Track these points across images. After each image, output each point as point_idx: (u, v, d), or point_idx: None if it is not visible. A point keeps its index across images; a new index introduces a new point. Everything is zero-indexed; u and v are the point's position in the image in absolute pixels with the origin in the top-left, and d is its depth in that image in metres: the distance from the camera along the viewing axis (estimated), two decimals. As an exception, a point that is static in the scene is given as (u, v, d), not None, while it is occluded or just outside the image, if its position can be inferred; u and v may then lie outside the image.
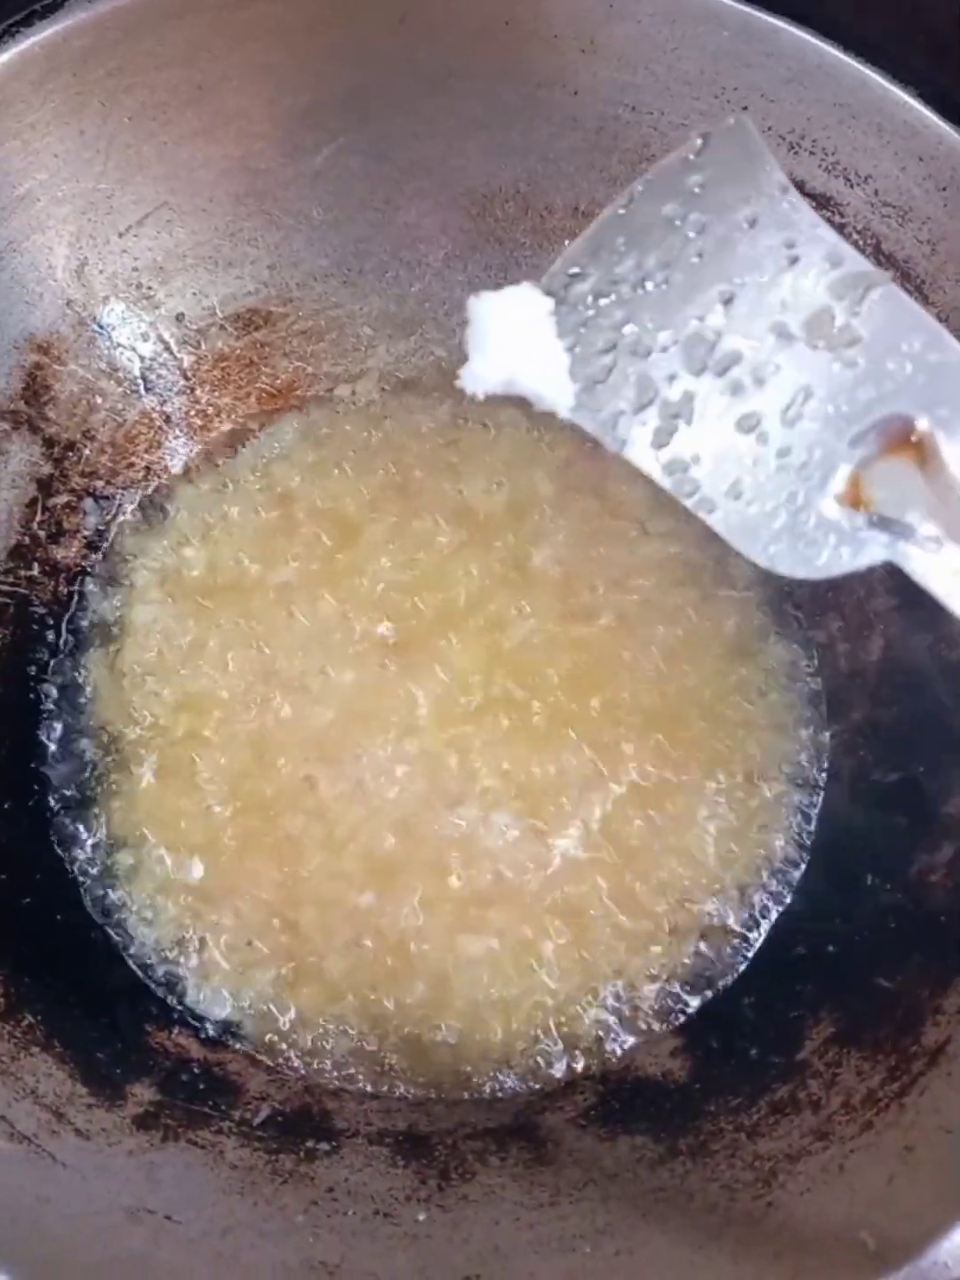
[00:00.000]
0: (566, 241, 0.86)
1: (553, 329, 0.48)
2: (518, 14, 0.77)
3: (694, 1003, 0.73)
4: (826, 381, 0.45)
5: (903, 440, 0.44)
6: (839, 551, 0.45)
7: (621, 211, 0.49)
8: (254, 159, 0.82)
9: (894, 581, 0.78)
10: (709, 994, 0.73)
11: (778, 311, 0.47)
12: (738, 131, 0.52)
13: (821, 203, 0.77)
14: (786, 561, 0.46)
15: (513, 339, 0.48)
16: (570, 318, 0.49)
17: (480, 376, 0.49)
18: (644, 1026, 0.73)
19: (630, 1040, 0.72)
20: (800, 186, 0.77)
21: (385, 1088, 0.70)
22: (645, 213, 0.49)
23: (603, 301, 0.49)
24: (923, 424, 0.44)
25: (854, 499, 0.45)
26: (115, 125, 0.76)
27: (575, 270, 0.49)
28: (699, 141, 0.49)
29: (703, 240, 0.49)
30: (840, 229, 0.77)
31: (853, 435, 0.45)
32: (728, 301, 0.48)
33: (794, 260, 0.48)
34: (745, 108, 0.77)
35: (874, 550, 0.44)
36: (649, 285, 0.48)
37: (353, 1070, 0.71)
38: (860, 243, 0.77)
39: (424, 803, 0.75)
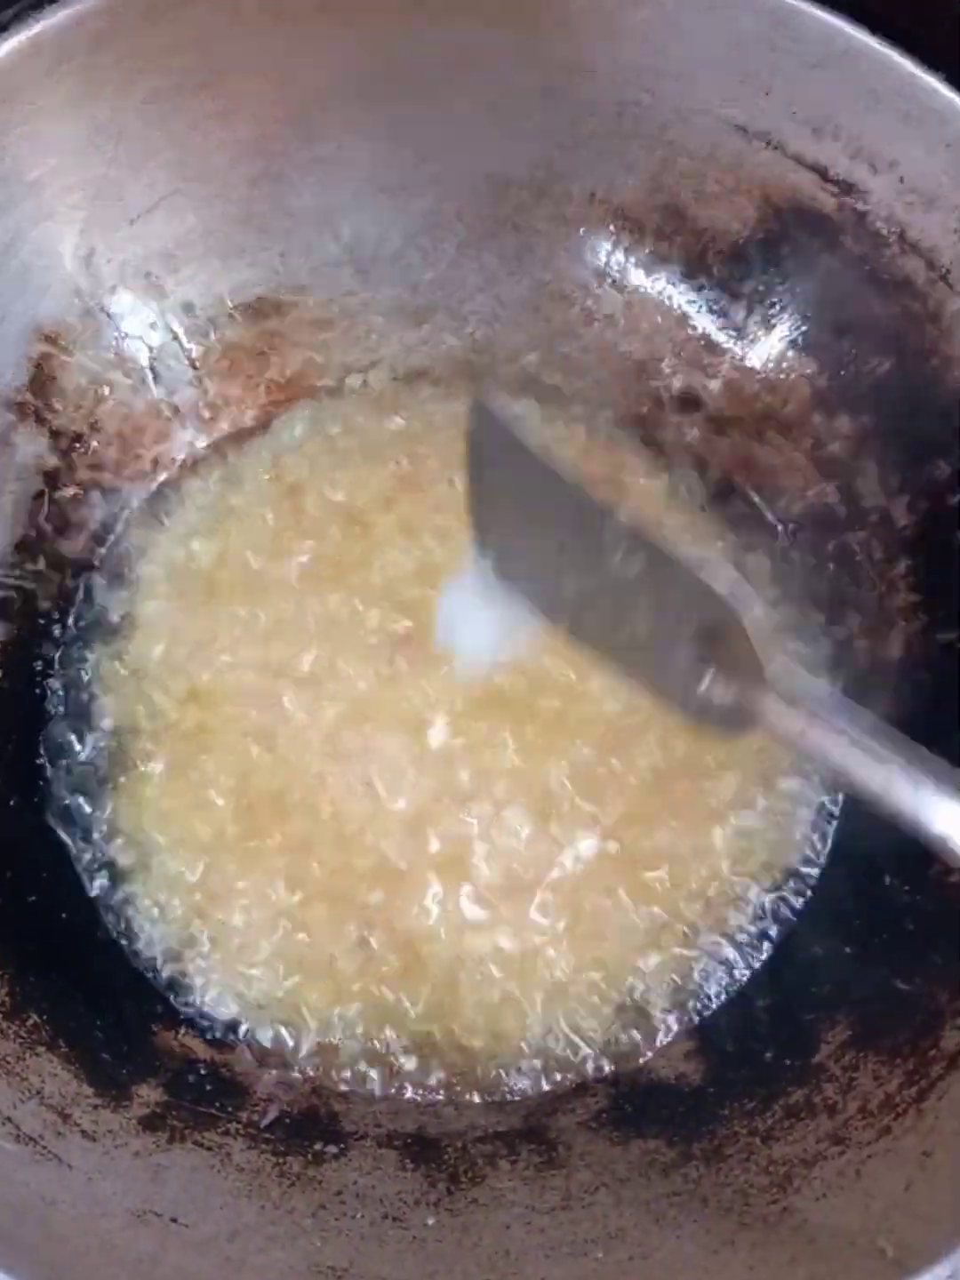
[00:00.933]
0: (583, 230, 0.85)
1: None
2: (535, -2, 0.76)
3: (708, 1004, 0.72)
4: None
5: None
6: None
7: None
8: (266, 145, 0.81)
9: (915, 578, 0.77)
10: (723, 995, 0.72)
11: None
12: None
13: (845, 189, 0.76)
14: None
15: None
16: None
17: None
18: (657, 1027, 0.72)
19: (643, 1041, 0.71)
20: (823, 173, 0.76)
21: (394, 1090, 0.70)
22: None
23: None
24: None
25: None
26: (126, 111, 0.75)
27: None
28: None
29: None
30: (863, 217, 0.76)
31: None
32: None
33: None
34: (768, 92, 0.76)
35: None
36: None
37: (361, 1071, 0.70)
38: (884, 230, 0.76)
39: (435, 800, 0.74)
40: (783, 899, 0.75)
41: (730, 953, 0.73)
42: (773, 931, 0.74)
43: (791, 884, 0.75)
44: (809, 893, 0.75)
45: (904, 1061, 0.63)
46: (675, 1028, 0.72)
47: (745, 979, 0.73)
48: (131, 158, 0.77)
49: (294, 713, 0.76)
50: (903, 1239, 0.54)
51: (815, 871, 0.75)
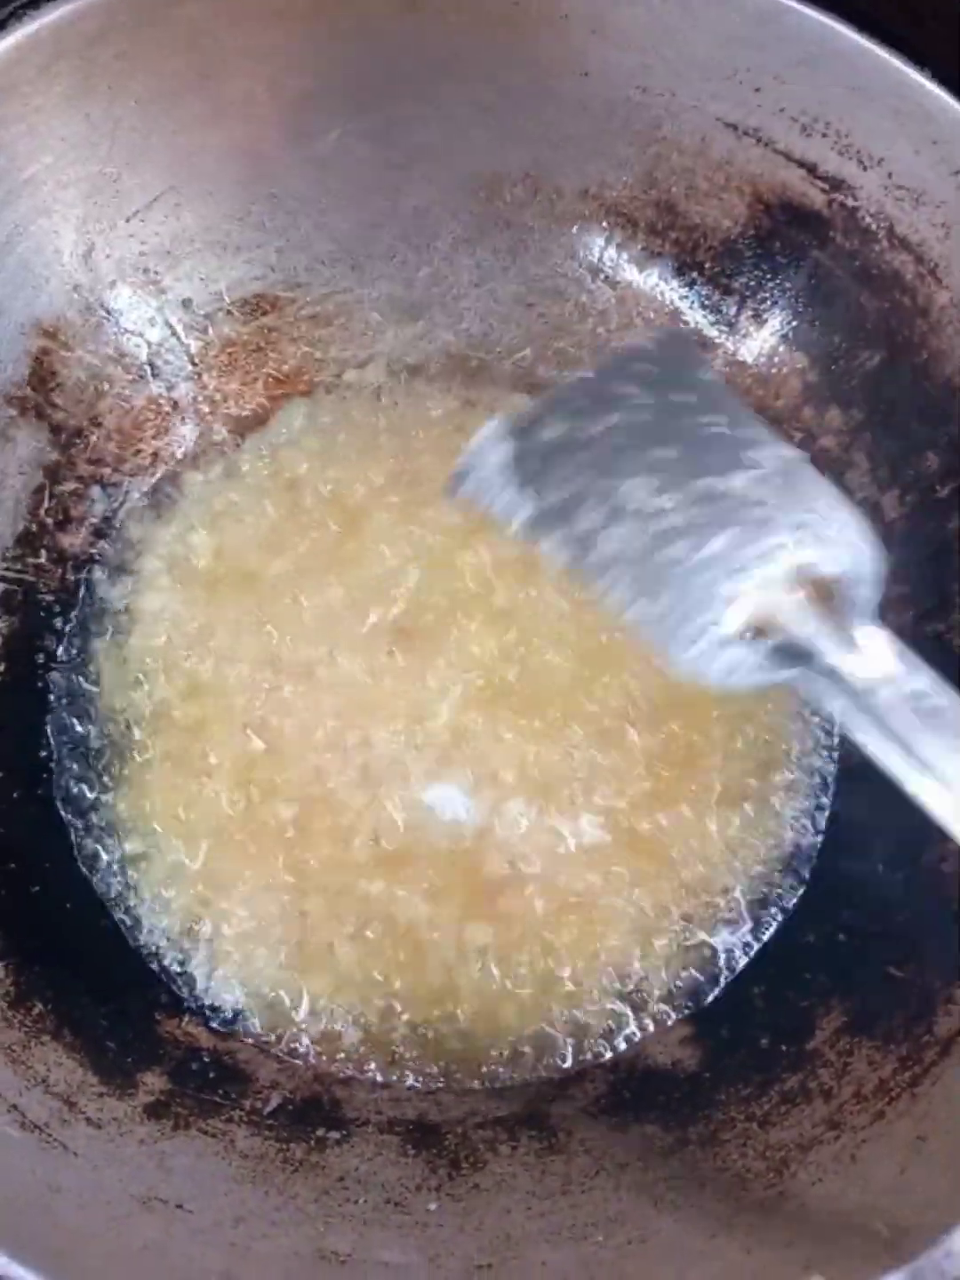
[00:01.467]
0: (576, 226, 0.86)
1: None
2: (527, -4, 0.76)
3: (705, 991, 0.73)
4: (736, 526, 0.49)
5: (806, 584, 0.48)
6: (741, 668, 0.49)
7: (585, 377, 0.58)
8: (260, 143, 0.81)
9: (900, 573, 0.78)
10: (720, 982, 0.73)
11: (705, 474, 0.51)
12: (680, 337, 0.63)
13: (834, 186, 0.77)
14: (693, 666, 0.50)
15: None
16: (532, 457, 0.54)
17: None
18: (655, 1014, 0.72)
19: (641, 1028, 0.72)
20: (812, 170, 0.77)
21: (395, 1077, 0.70)
22: (603, 385, 0.56)
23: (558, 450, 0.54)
24: (829, 570, 0.48)
25: (759, 626, 0.48)
26: (122, 109, 0.76)
27: (540, 417, 0.56)
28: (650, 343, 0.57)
29: (646, 413, 0.54)
30: (853, 212, 0.77)
31: (760, 575, 0.48)
32: (664, 463, 0.52)
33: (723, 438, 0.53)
34: (758, 89, 0.76)
35: (775, 673, 0.48)
36: (597, 440, 0.54)
37: (363, 1058, 0.71)
38: (873, 226, 0.76)
39: (434, 791, 0.75)
40: (778, 888, 0.75)
41: (726, 941, 0.74)
42: (768, 920, 0.75)
43: (786, 873, 0.76)
44: (804, 882, 0.76)
45: (898, 1047, 0.64)
46: (672, 1014, 0.72)
47: (741, 967, 0.74)
48: (127, 155, 0.77)
49: (293, 704, 0.77)
50: (898, 1221, 0.55)
51: (809, 861, 0.76)
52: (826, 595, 0.48)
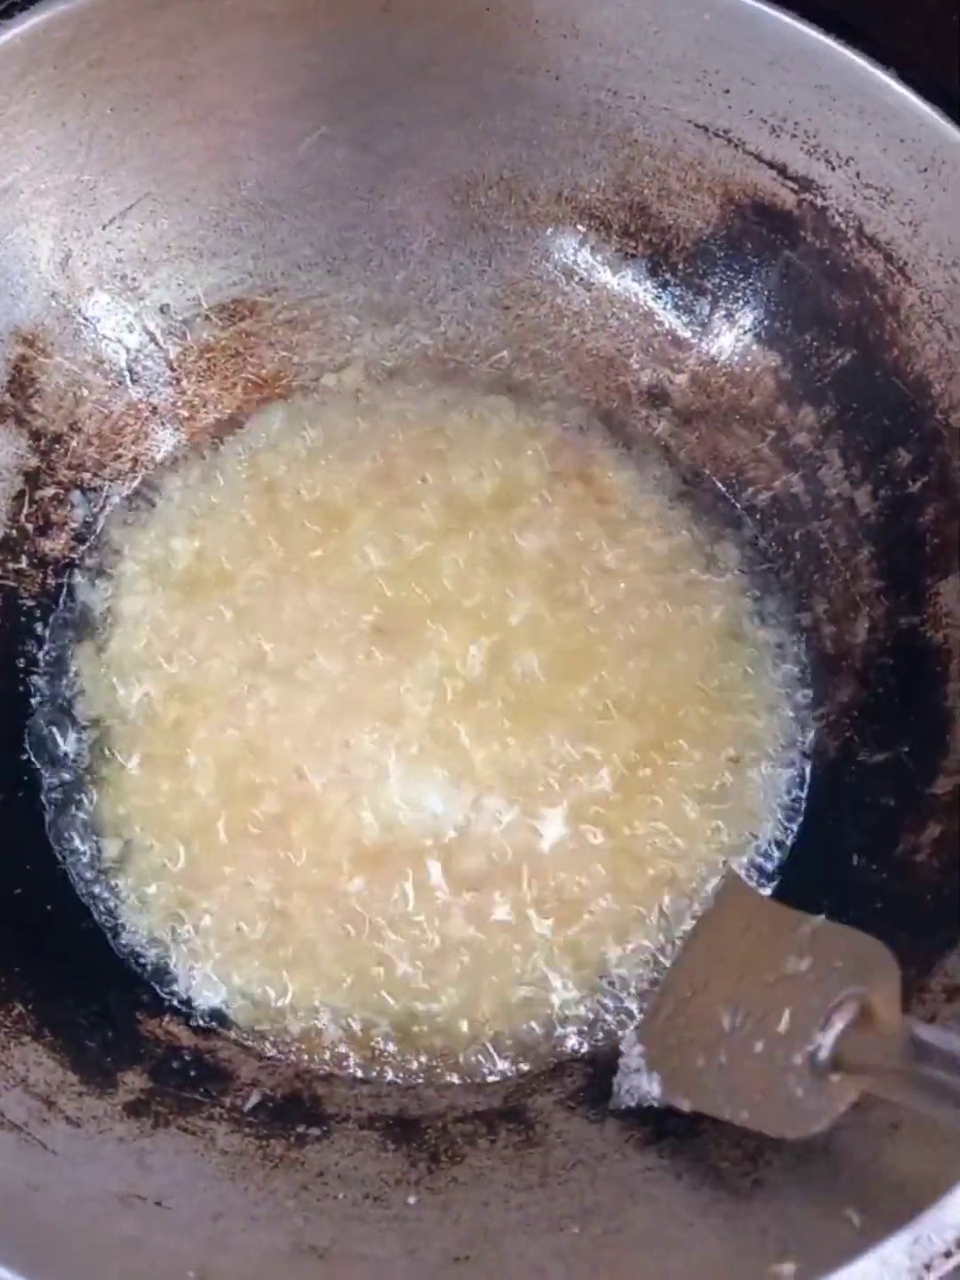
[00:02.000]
0: (550, 229, 0.86)
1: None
2: (500, 0, 0.77)
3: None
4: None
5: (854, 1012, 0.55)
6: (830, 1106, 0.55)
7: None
8: (237, 149, 0.82)
9: (879, 564, 0.79)
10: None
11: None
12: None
13: (804, 185, 0.78)
14: (792, 1128, 0.56)
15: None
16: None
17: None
18: (632, 1008, 0.73)
19: (618, 1021, 0.72)
20: (782, 170, 0.78)
21: (375, 1073, 0.71)
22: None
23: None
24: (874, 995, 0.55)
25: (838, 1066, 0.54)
26: (97, 117, 0.76)
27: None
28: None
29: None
30: (822, 212, 0.78)
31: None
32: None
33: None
34: (727, 90, 0.77)
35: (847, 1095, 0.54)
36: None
37: (343, 1055, 0.71)
38: (842, 225, 0.77)
39: (413, 789, 0.75)
40: (754, 879, 0.76)
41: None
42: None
43: (762, 864, 0.76)
44: (779, 873, 0.76)
45: (873, 1036, 0.64)
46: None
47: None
48: (104, 162, 0.78)
49: (273, 706, 0.77)
50: (870, 1207, 0.55)
51: (785, 853, 0.77)
52: (871, 1014, 0.55)
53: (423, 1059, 0.71)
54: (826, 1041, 0.54)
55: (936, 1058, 0.51)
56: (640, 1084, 0.63)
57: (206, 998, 0.72)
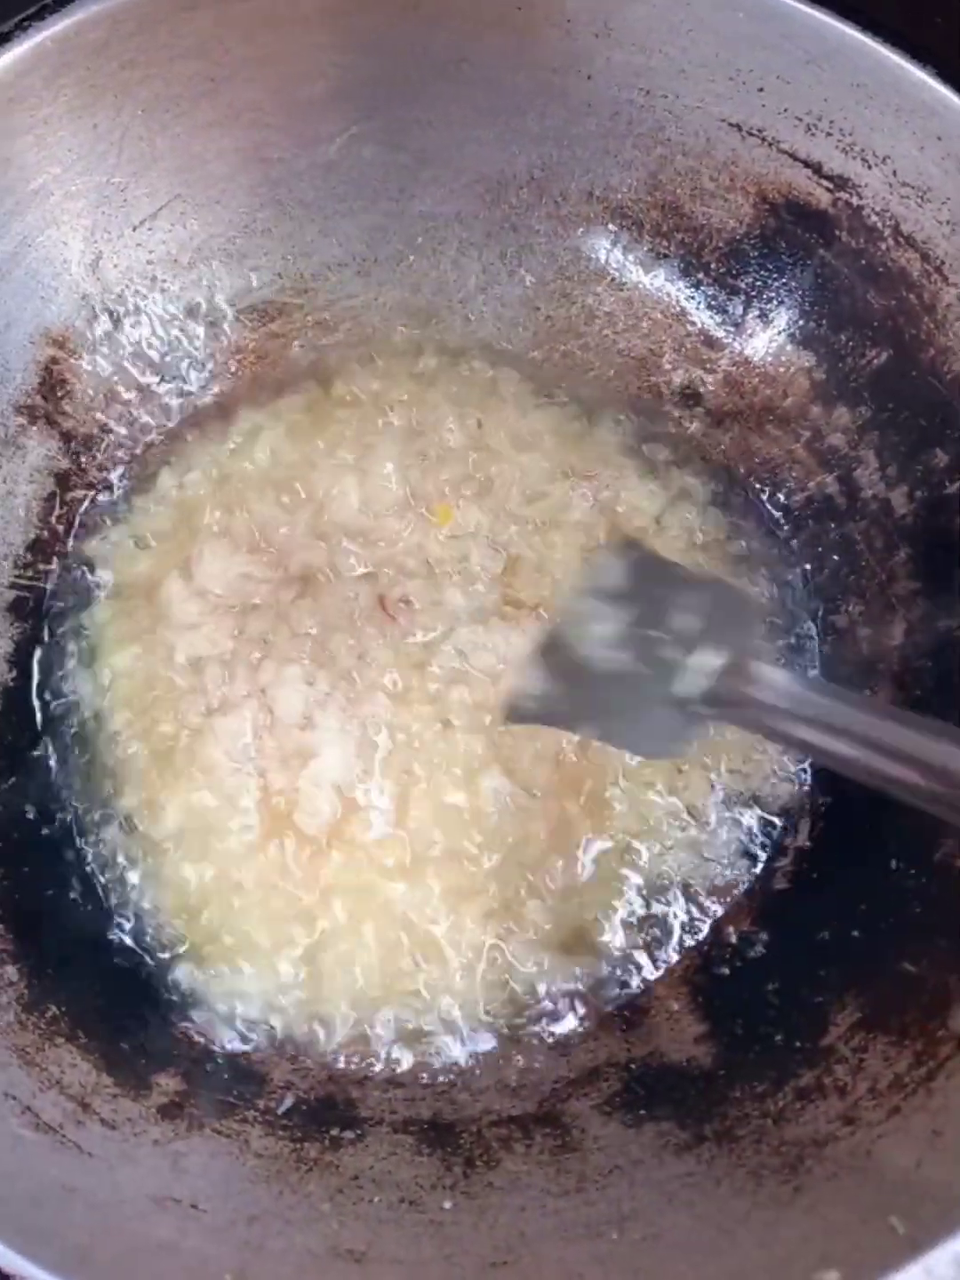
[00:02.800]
0: (582, 229, 0.86)
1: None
2: (530, -1, 0.77)
3: (719, 987, 0.73)
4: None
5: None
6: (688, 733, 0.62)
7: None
8: (267, 150, 0.82)
9: (915, 566, 0.78)
10: (733, 979, 0.73)
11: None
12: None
13: (839, 184, 0.77)
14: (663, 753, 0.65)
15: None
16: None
17: None
18: (667, 1012, 0.72)
19: (652, 1025, 0.72)
20: (817, 169, 0.78)
21: (409, 1076, 0.70)
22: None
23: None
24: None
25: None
26: (128, 118, 0.76)
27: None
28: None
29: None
30: (858, 211, 0.77)
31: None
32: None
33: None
34: (761, 88, 0.77)
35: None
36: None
37: (375, 1058, 0.71)
38: (878, 224, 0.77)
39: (438, 788, 0.75)
40: (790, 883, 0.75)
41: (738, 936, 0.74)
42: (780, 915, 0.74)
43: (799, 868, 0.76)
44: (817, 877, 0.75)
45: (913, 1042, 0.63)
46: (686, 1013, 0.72)
47: (754, 963, 0.73)
48: (135, 164, 0.78)
49: (303, 709, 0.77)
50: (914, 1216, 0.55)
51: (823, 857, 0.76)
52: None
53: (456, 1061, 0.70)
54: (702, 681, 0.59)
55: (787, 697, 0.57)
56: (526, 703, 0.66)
57: (239, 1001, 0.72)
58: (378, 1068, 0.71)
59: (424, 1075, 0.70)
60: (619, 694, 0.63)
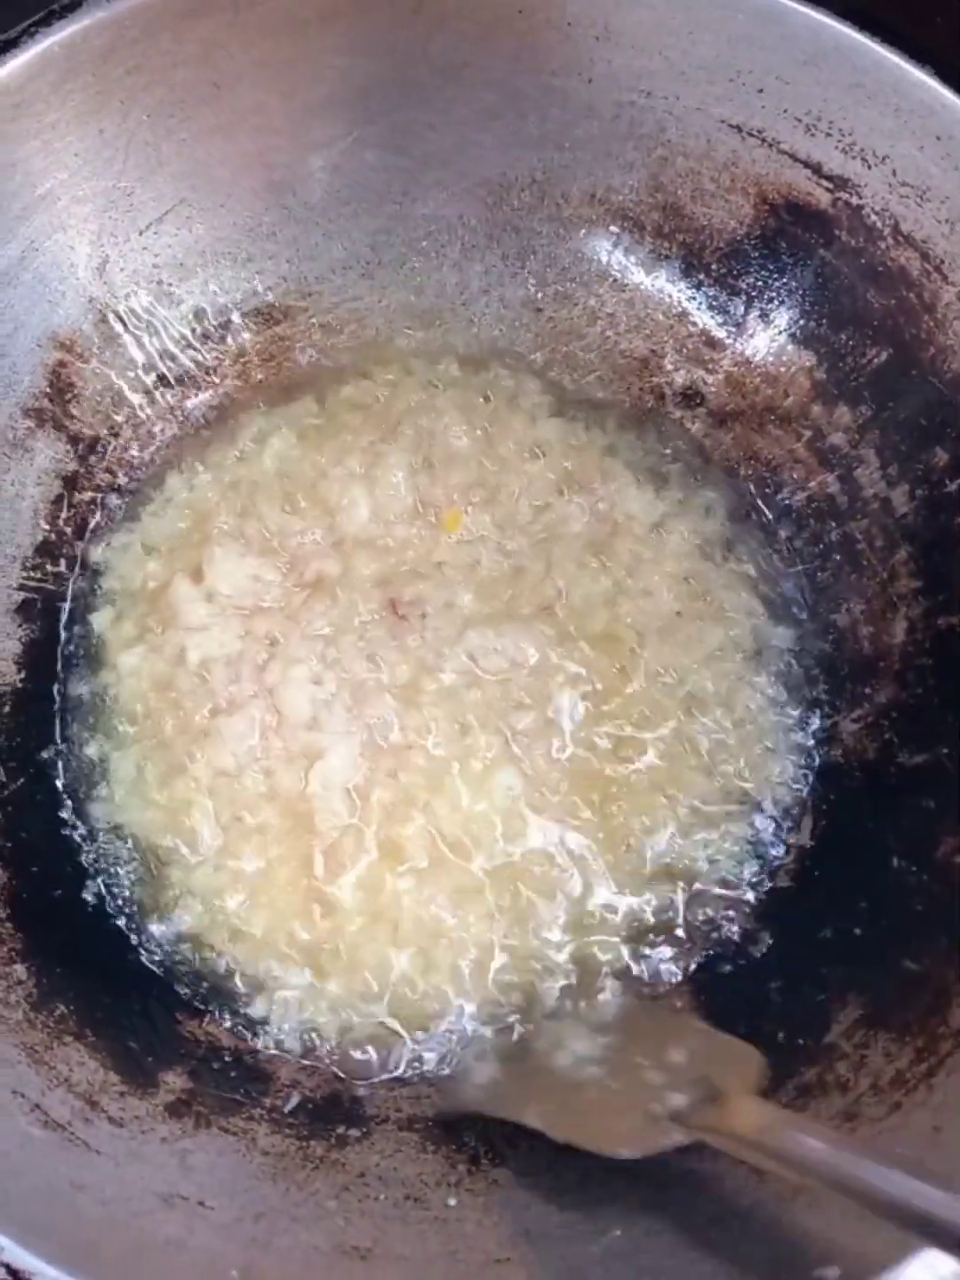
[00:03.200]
0: (583, 231, 0.86)
1: None
2: (531, 3, 0.78)
3: (722, 985, 0.73)
4: None
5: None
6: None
7: None
8: (271, 154, 0.82)
9: (916, 564, 0.78)
10: (735, 977, 0.73)
11: None
12: None
13: (839, 184, 0.78)
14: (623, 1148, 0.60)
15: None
16: None
17: None
18: (676, 1006, 0.73)
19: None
20: (817, 169, 0.78)
21: (415, 1074, 0.71)
22: None
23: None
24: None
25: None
26: (134, 123, 0.77)
27: None
28: None
29: None
30: (858, 211, 0.77)
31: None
32: None
33: None
34: (761, 90, 0.77)
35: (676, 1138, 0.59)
36: None
37: (381, 1059, 0.71)
38: (878, 224, 0.77)
39: (449, 788, 0.76)
40: (792, 881, 0.76)
41: (739, 934, 0.74)
42: (782, 913, 0.75)
43: (801, 866, 0.76)
44: (819, 876, 0.76)
45: (914, 1039, 0.64)
46: (690, 1010, 0.72)
47: (757, 961, 0.74)
48: (140, 169, 0.79)
49: (308, 710, 0.77)
50: (916, 1211, 0.55)
51: (824, 855, 0.76)
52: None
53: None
54: (677, 1103, 0.60)
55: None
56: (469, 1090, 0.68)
57: (246, 1000, 0.72)
58: (385, 1066, 0.71)
59: (430, 1073, 0.71)
60: (580, 1097, 0.64)
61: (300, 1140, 0.65)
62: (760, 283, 0.84)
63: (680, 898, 0.75)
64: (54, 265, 0.78)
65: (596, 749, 0.77)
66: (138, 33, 0.74)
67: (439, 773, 0.76)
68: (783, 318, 0.84)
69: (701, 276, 0.86)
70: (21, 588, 0.78)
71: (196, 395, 0.86)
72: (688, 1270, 0.57)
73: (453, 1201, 0.62)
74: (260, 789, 0.76)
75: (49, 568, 0.80)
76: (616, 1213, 0.60)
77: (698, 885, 0.75)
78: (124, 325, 0.82)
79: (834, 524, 0.83)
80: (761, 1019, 0.70)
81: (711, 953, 0.74)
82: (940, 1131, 0.59)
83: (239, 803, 0.76)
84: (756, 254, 0.83)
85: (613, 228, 0.86)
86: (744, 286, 0.85)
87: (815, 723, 0.80)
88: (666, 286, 0.87)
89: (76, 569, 0.81)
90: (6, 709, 0.76)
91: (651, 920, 0.75)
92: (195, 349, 0.86)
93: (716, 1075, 0.60)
